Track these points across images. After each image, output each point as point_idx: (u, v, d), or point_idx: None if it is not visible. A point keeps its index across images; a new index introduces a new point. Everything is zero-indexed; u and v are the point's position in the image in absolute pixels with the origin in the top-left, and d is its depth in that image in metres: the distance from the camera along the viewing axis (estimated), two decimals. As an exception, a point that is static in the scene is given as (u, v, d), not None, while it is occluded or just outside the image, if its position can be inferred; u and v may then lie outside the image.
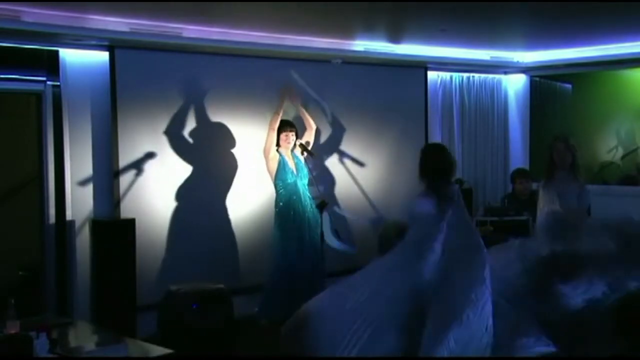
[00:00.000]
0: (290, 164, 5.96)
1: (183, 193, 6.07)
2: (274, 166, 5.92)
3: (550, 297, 4.23)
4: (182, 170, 6.08)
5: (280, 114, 5.95)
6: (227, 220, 6.25)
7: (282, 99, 6.00)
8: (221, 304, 5.31)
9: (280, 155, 5.95)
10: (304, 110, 6.23)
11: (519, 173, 7.08)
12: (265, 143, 5.94)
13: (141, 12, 5.34)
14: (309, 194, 6.01)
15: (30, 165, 5.84)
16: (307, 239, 5.91)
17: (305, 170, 6.04)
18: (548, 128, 8.30)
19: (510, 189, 7.37)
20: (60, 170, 5.61)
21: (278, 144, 5.96)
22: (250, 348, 5.54)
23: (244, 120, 6.32)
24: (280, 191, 5.91)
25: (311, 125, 6.22)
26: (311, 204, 5.98)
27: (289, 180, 5.90)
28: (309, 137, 6.22)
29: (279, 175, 5.91)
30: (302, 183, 5.98)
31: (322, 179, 6.47)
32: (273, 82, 6.43)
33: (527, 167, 7.85)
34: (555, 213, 4.84)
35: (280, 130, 5.95)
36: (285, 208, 5.88)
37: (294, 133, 6.01)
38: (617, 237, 4.44)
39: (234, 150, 6.28)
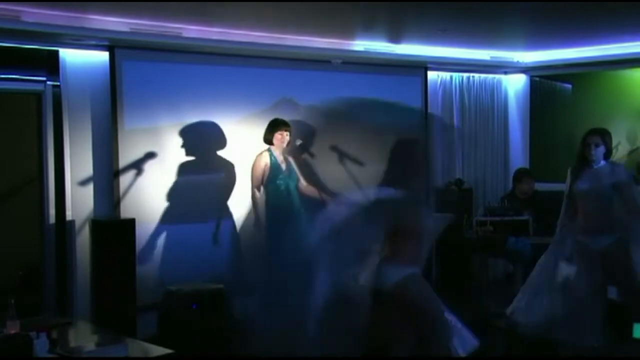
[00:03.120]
0: (283, 165, 5.84)
1: (183, 193, 6.07)
2: (264, 169, 5.75)
3: None
4: (182, 170, 6.08)
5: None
6: (227, 220, 6.25)
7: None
8: (221, 304, 5.32)
9: (272, 155, 5.83)
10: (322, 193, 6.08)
11: (525, 172, 7.07)
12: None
13: (141, 12, 5.34)
14: (299, 197, 5.90)
15: (30, 165, 5.83)
16: (298, 242, 5.87)
17: (295, 173, 5.95)
18: (548, 128, 8.30)
19: (510, 188, 7.36)
20: (60, 170, 5.61)
21: (271, 143, 5.85)
22: (250, 348, 5.54)
23: (244, 121, 6.32)
24: (271, 194, 5.78)
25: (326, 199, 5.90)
26: (302, 207, 5.85)
27: (280, 183, 5.78)
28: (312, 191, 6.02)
29: (271, 177, 5.76)
30: (293, 185, 5.88)
31: (322, 179, 6.46)
32: (273, 82, 6.44)
33: (527, 167, 7.84)
34: None
35: (275, 129, 5.82)
36: (276, 212, 5.77)
37: (288, 133, 5.87)
38: None
39: (234, 150, 6.27)
